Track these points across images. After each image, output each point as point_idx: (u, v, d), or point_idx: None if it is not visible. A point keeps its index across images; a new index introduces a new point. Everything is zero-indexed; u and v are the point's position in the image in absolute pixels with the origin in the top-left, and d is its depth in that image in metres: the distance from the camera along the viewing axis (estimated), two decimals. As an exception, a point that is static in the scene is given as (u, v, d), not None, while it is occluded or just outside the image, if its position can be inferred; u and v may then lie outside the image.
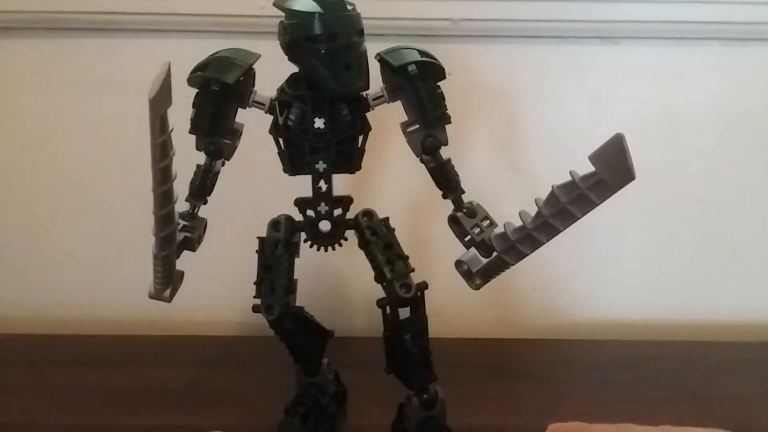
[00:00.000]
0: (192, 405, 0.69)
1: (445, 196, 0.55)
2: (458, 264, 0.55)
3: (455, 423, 0.60)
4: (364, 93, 0.53)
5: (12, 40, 0.79)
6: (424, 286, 0.55)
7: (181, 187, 0.50)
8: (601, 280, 0.87)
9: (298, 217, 0.56)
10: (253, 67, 0.53)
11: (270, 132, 0.54)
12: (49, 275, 0.87)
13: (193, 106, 0.53)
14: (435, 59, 0.53)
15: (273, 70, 0.52)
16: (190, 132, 0.53)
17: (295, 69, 0.52)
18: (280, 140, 0.54)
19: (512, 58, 0.79)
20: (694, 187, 0.84)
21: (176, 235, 0.51)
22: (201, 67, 0.52)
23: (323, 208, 0.55)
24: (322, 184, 0.55)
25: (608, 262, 0.87)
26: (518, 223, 0.50)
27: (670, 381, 0.74)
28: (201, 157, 0.54)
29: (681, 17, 0.77)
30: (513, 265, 0.53)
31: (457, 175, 0.55)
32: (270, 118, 0.54)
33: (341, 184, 0.56)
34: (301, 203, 0.56)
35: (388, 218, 0.56)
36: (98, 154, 0.83)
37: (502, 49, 0.79)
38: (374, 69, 0.52)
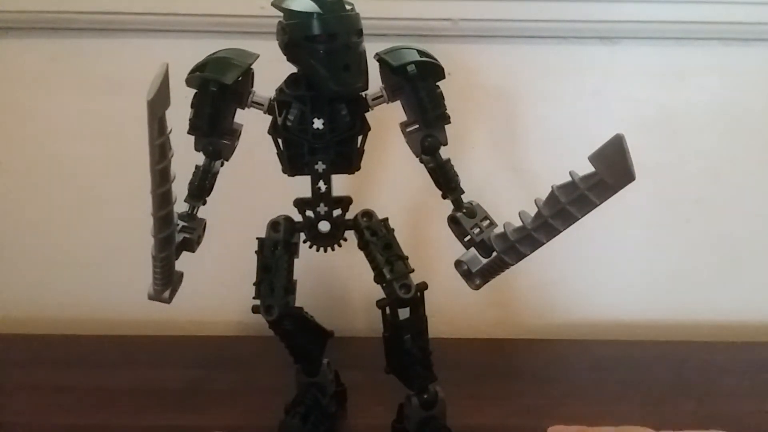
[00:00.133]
0: (192, 405, 0.69)
1: (444, 196, 0.55)
2: (458, 264, 0.55)
3: (455, 423, 0.60)
4: (363, 93, 0.53)
5: (12, 40, 0.79)
6: (423, 286, 0.55)
7: (180, 188, 0.50)
8: (601, 281, 0.87)
9: (297, 217, 0.56)
10: (252, 67, 0.53)
11: (269, 132, 0.54)
12: (49, 275, 0.87)
13: (192, 107, 0.53)
14: (434, 59, 0.53)
15: (272, 71, 0.52)
16: (188, 132, 0.53)
17: (293, 69, 0.52)
18: (279, 141, 0.54)
19: (512, 58, 0.79)
20: (694, 187, 0.84)
21: (175, 236, 0.51)
22: (199, 68, 0.52)
23: (322, 208, 0.55)
24: (322, 185, 0.54)
25: (608, 263, 0.87)
26: (518, 223, 0.50)
27: (670, 381, 0.73)
28: (200, 158, 0.54)
29: (681, 17, 0.76)
30: (513, 265, 0.52)
31: (457, 175, 0.55)
32: (269, 118, 0.54)
33: (340, 184, 0.56)
34: (301, 204, 0.56)
35: (387, 219, 0.56)
36: (98, 154, 0.83)
37: (502, 49, 0.79)
38: (374, 69, 0.52)
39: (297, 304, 0.58)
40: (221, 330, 0.85)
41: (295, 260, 0.57)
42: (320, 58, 0.49)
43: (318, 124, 0.52)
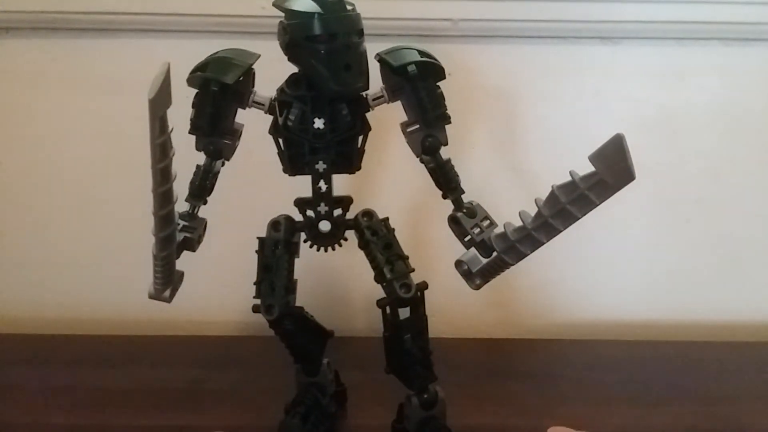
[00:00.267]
0: (192, 405, 0.69)
1: (444, 196, 0.55)
2: (458, 264, 0.55)
3: (455, 423, 0.60)
4: (363, 93, 0.53)
5: (12, 40, 0.79)
6: (424, 286, 0.55)
7: (180, 188, 0.50)
8: (601, 280, 0.87)
9: (298, 217, 0.56)
10: (253, 67, 0.53)
11: (270, 132, 0.54)
12: (49, 275, 0.87)
13: (193, 107, 0.53)
14: (435, 59, 0.53)
15: (273, 71, 0.52)
16: (189, 132, 0.53)
17: (294, 69, 0.52)
18: (280, 140, 0.54)
19: (512, 58, 0.79)
20: (694, 187, 0.84)
21: (176, 235, 0.51)
22: (200, 68, 0.52)
23: (323, 208, 0.55)
24: (322, 185, 0.55)
25: (608, 263, 0.87)
26: (518, 223, 0.50)
27: (670, 381, 0.73)
28: (201, 158, 0.54)
29: (682, 17, 0.77)
30: (513, 265, 0.52)
31: (457, 175, 0.55)
32: (269, 118, 0.54)
33: (341, 184, 0.56)
34: (301, 203, 0.56)
35: (387, 218, 0.56)
36: (98, 154, 0.83)
37: (502, 49, 0.79)
38: (374, 69, 0.52)
39: (297, 304, 0.58)
40: (221, 330, 0.85)
41: (296, 260, 0.57)
42: (321, 58, 0.49)
43: (319, 123, 0.52)
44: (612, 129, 0.42)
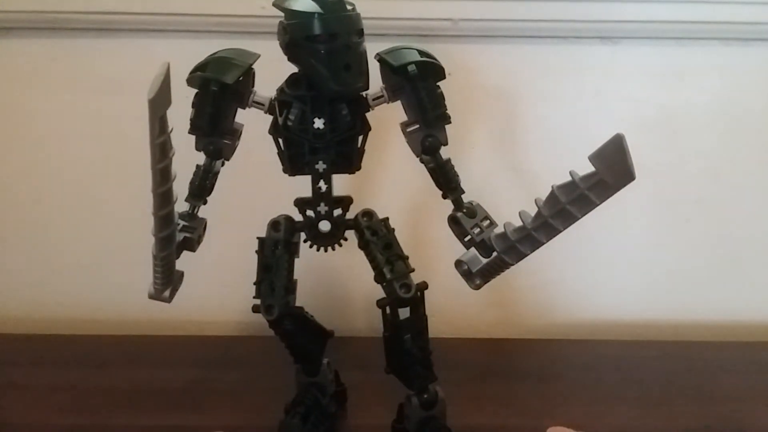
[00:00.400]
0: (192, 405, 0.69)
1: (444, 196, 0.55)
2: (458, 264, 0.55)
3: (455, 423, 0.60)
4: (363, 93, 0.53)
5: (12, 40, 0.79)
6: (423, 286, 0.55)
7: (180, 188, 0.50)
8: (601, 281, 0.87)
9: (297, 217, 0.56)
10: (253, 67, 0.53)
11: (269, 132, 0.54)
12: (49, 275, 0.87)
13: (193, 107, 0.53)
14: (435, 59, 0.53)
15: (273, 70, 0.52)
16: (189, 132, 0.53)
17: (294, 69, 0.52)
18: (280, 140, 0.54)
19: (512, 58, 0.79)
20: (694, 187, 0.84)
21: (176, 235, 0.51)
22: (200, 68, 0.52)
23: (323, 208, 0.55)
24: (322, 185, 0.55)
25: (608, 263, 0.87)
26: (518, 223, 0.50)
27: (670, 381, 0.73)
28: (200, 158, 0.54)
29: (681, 17, 0.77)
30: (513, 265, 0.52)
31: (457, 175, 0.55)
32: (269, 118, 0.54)
33: (341, 184, 0.56)
34: (301, 203, 0.56)
35: (387, 218, 0.56)
36: (98, 154, 0.83)
37: (502, 49, 0.79)
38: (374, 69, 0.52)
39: (297, 304, 0.58)
40: (221, 330, 0.85)
41: (296, 260, 0.57)
42: (321, 58, 0.49)
43: (319, 123, 0.52)
44: (612, 129, 0.42)
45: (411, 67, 0.52)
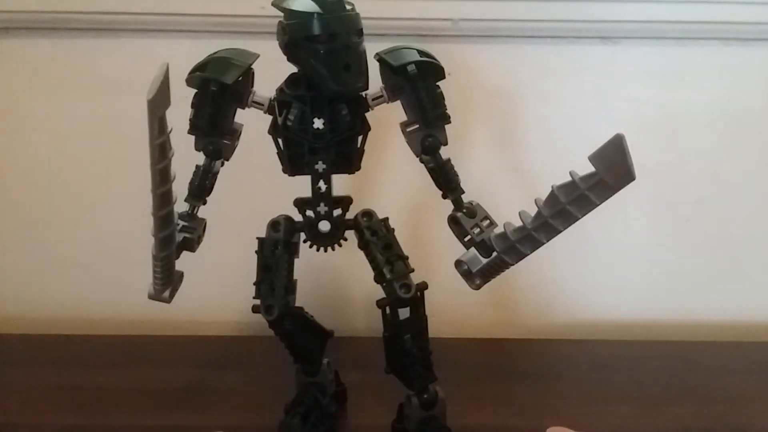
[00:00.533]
0: (192, 405, 0.69)
1: (444, 196, 0.55)
2: (458, 264, 0.55)
3: (455, 423, 0.60)
4: (363, 93, 0.53)
5: (12, 40, 0.79)
6: (423, 286, 0.55)
7: (180, 188, 0.50)
8: (601, 280, 0.87)
9: (297, 217, 0.56)
10: (252, 67, 0.53)
11: (269, 132, 0.54)
12: (49, 275, 0.87)
13: (192, 107, 0.53)
14: (434, 59, 0.53)
15: (272, 70, 0.52)
16: (189, 132, 0.53)
17: (294, 69, 0.52)
18: (280, 140, 0.54)
19: (512, 58, 0.79)
20: (694, 187, 0.84)
21: (175, 235, 0.51)
22: (200, 68, 0.52)
23: (323, 208, 0.55)
24: (322, 185, 0.55)
25: (608, 263, 0.87)
26: (518, 223, 0.50)
27: (670, 381, 0.73)
28: (200, 158, 0.54)
29: (682, 17, 0.76)
30: (513, 265, 0.53)
31: (457, 175, 0.55)
32: (269, 118, 0.54)
33: (341, 184, 0.56)
34: (301, 203, 0.56)
35: (387, 218, 0.56)
36: (98, 155, 0.83)
37: (502, 49, 0.79)
38: (374, 69, 0.52)
39: (297, 304, 0.58)
40: (221, 330, 0.85)
41: (295, 260, 0.57)
42: (320, 58, 0.49)
43: (318, 123, 0.52)
44: (612, 129, 0.42)
45: (411, 67, 0.52)
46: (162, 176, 0.45)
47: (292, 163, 0.54)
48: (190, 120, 0.53)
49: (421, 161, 0.55)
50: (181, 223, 0.54)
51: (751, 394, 0.71)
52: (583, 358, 0.79)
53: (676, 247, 0.86)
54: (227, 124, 0.54)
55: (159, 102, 0.40)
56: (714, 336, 0.85)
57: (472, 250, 0.55)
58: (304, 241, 0.57)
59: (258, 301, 0.55)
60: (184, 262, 0.54)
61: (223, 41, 0.57)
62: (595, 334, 0.86)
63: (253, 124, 0.55)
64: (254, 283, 0.56)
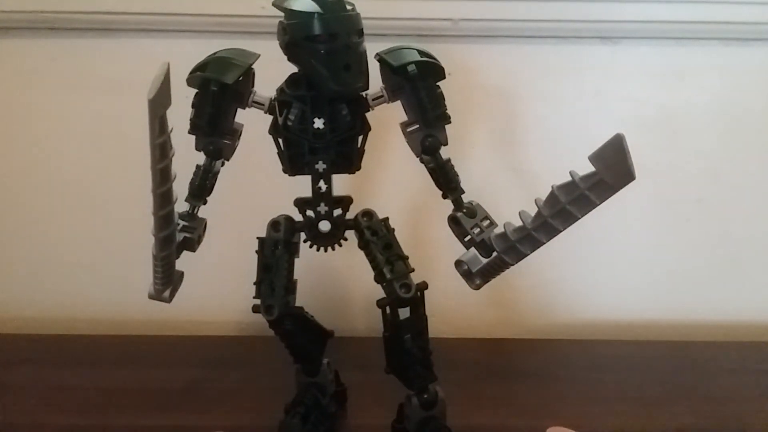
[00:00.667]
0: (192, 405, 0.69)
1: (444, 196, 0.55)
2: (458, 264, 0.55)
3: (455, 423, 0.60)
4: (363, 93, 0.53)
5: (12, 40, 0.79)
6: (423, 286, 0.55)
7: (180, 188, 0.50)
8: (601, 280, 0.87)
9: (297, 217, 0.56)
10: (253, 67, 0.53)
11: (269, 132, 0.54)
12: (48, 275, 0.87)
13: (193, 107, 0.53)
14: (435, 59, 0.53)
15: (272, 70, 0.52)
16: (189, 132, 0.53)
17: (294, 69, 0.52)
18: (280, 140, 0.54)
19: (512, 58, 0.79)
20: (694, 187, 0.84)
21: (176, 235, 0.51)
22: (200, 68, 0.52)
23: (323, 208, 0.55)
24: (322, 185, 0.55)
25: (608, 263, 0.87)
26: (518, 223, 0.51)
27: (669, 381, 0.73)
28: (200, 158, 0.54)
29: (681, 17, 0.77)
30: (513, 265, 0.53)
31: (457, 175, 0.55)
32: (269, 118, 0.54)
33: (341, 184, 0.56)
34: (301, 203, 0.56)
35: (387, 218, 0.56)
36: (98, 154, 0.83)
37: (502, 49, 0.79)
38: (374, 69, 0.52)
39: (297, 304, 0.58)
40: (221, 330, 0.85)
41: (296, 260, 0.57)
42: (321, 58, 0.49)
43: (318, 123, 0.52)
44: (612, 129, 0.42)
45: (411, 67, 0.52)
46: (162, 176, 0.45)
47: (292, 163, 0.54)
48: (190, 120, 0.53)
49: (421, 161, 0.55)
50: (182, 222, 0.54)
51: (751, 394, 0.71)
52: (583, 358, 0.79)
53: (676, 246, 0.86)
54: (227, 124, 0.54)
55: (160, 102, 0.40)
56: (714, 336, 0.85)
57: (472, 250, 0.55)
58: (305, 241, 0.57)
59: (258, 301, 0.55)
60: (184, 262, 0.54)
61: (224, 41, 0.57)
62: (595, 334, 0.86)
63: (254, 124, 0.55)
64: (254, 283, 0.56)
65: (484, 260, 0.54)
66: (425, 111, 0.53)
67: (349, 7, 0.50)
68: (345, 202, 0.56)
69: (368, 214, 0.56)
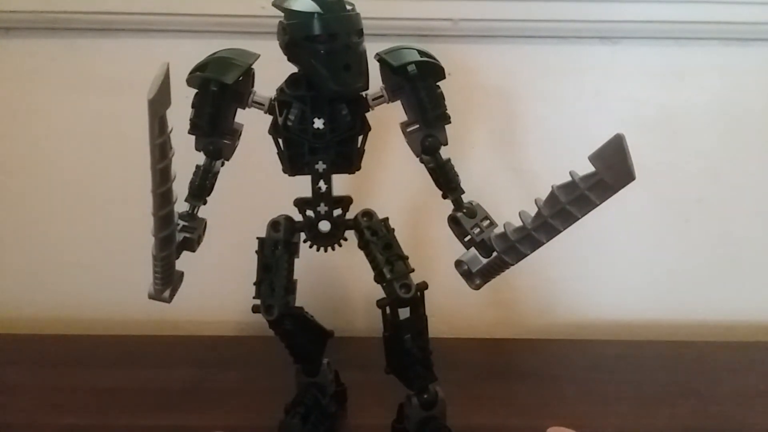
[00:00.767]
0: (192, 405, 0.69)
1: (444, 196, 0.55)
2: (458, 264, 0.55)
3: (455, 423, 0.59)
4: (363, 93, 0.53)
5: (12, 40, 0.79)
6: (423, 286, 0.55)
7: (180, 188, 0.50)
8: (601, 280, 0.87)
9: (297, 217, 0.56)
10: (253, 67, 0.53)
11: (269, 132, 0.54)
12: (49, 275, 0.87)
13: (193, 107, 0.53)
14: (435, 59, 0.53)
15: (272, 71, 0.52)
16: (189, 132, 0.53)
17: (294, 69, 0.52)
18: (280, 140, 0.54)
19: (512, 58, 0.79)
20: (694, 187, 0.84)
21: (176, 235, 0.51)
22: (200, 68, 0.52)
23: (323, 208, 0.55)
24: (322, 185, 0.54)
25: (608, 262, 0.87)
26: (518, 223, 0.50)
27: (670, 381, 0.73)
28: (200, 158, 0.54)
29: (681, 17, 0.77)
30: (513, 265, 0.52)
31: (457, 175, 0.55)
32: (269, 118, 0.54)
33: (341, 184, 0.56)
34: (301, 203, 0.56)
35: (387, 218, 0.56)
36: (98, 154, 0.83)
37: (502, 49, 0.79)
38: (374, 69, 0.52)
39: (297, 304, 0.58)
40: (221, 330, 0.85)
41: (296, 260, 0.57)
42: (321, 58, 0.49)
43: (318, 124, 0.52)
44: (612, 129, 0.42)
45: (411, 67, 0.52)
46: (162, 176, 0.45)
47: (292, 163, 0.54)
48: (190, 120, 0.53)
49: (421, 161, 0.55)
50: (182, 222, 0.54)
51: (751, 394, 0.71)
52: (583, 358, 0.79)
53: (676, 246, 0.86)
54: (227, 124, 0.54)
55: (160, 101, 0.40)
56: (714, 336, 0.85)
57: (472, 250, 0.55)
58: (304, 241, 0.57)
59: (258, 301, 0.55)
60: (184, 262, 0.54)
61: (224, 41, 0.57)
62: (595, 334, 0.86)
63: (254, 124, 0.55)
64: (254, 283, 0.56)
65: (484, 260, 0.54)
66: (425, 111, 0.53)
67: (349, 7, 0.50)
68: (345, 202, 0.56)
69: (368, 214, 0.56)
